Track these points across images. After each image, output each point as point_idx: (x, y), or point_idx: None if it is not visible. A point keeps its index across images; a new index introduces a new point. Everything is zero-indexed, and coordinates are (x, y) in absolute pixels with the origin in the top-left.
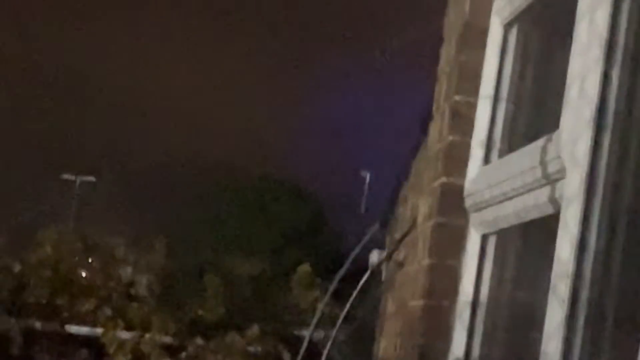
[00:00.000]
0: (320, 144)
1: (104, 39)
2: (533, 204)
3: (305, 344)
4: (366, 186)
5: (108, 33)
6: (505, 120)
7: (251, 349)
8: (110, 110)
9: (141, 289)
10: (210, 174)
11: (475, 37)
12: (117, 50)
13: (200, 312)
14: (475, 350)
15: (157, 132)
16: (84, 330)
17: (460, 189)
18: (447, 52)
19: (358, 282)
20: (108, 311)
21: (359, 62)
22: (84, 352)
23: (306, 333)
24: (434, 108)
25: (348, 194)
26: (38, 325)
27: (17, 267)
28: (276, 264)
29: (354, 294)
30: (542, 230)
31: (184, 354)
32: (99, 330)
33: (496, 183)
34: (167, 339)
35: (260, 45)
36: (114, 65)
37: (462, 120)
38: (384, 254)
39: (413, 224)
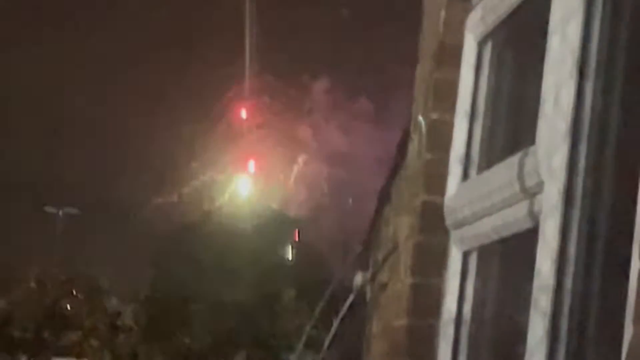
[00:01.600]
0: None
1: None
2: (512, 219)
3: None
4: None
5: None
6: (482, 136)
7: None
8: (90, 142)
9: (127, 319)
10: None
11: (449, 54)
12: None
13: (187, 340)
14: None
15: (137, 165)
16: None
17: (441, 206)
18: (422, 71)
19: (343, 305)
20: (94, 342)
21: None
22: None
23: (293, 358)
24: (411, 127)
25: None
26: (24, 358)
27: (1, 303)
28: (261, 290)
29: (340, 316)
30: (523, 245)
31: None
32: None
33: (475, 199)
34: None
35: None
36: (93, 98)
37: (440, 138)
38: (368, 275)
39: (395, 244)
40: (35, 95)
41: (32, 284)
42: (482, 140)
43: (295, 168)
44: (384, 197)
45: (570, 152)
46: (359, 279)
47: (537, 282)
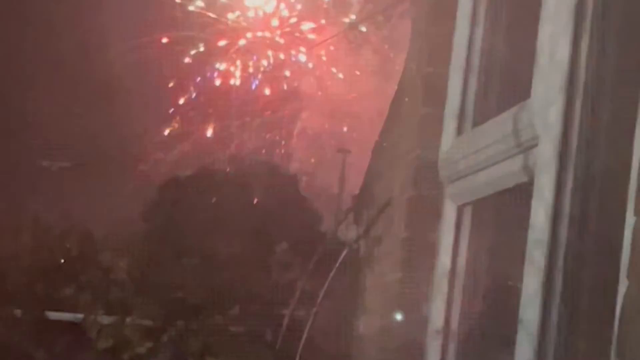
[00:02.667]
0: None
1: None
2: (507, 173)
3: (285, 322)
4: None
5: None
6: (477, 91)
7: (233, 329)
8: (86, 95)
9: (121, 273)
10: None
11: (445, 10)
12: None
13: (180, 294)
14: (454, 321)
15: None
16: (64, 316)
17: (435, 160)
18: (418, 25)
19: (337, 259)
20: (88, 296)
21: None
22: (65, 338)
23: (287, 312)
24: (405, 80)
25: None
26: (18, 312)
27: None
28: (255, 244)
29: (333, 271)
30: (518, 199)
31: (165, 337)
32: (79, 316)
33: (470, 153)
34: (148, 322)
35: None
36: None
37: (435, 92)
38: (362, 230)
39: (389, 198)
40: (29, 47)
41: (26, 238)
42: (477, 94)
43: (295, 121)
44: (378, 151)
45: (566, 105)
46: (352, 233)
47: (531, 236)
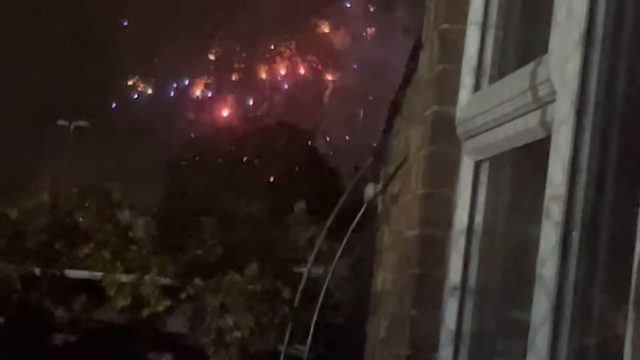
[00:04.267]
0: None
1: None
2: (524, 129)
3: (304, 280)
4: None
5: None
6: (494, 47)
7: (251, 287)
8: (102, 56)
9: (139, 232)
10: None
11: None
12: None
13: (198, 252)
14: (472, 277)
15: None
16: (83, 274)
17: (452, 117)
18: None
19: (354, 217)
20: (106, 255)
21: None
22: (84, 296)
23: (305, 270)
24: (423, 37)
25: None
26: (37, 271)
27: (14, 214)
28: (272, 202)
29: (351, 228)
30: (535, 154)
31: (183, 295)
32: (98, 274)
33: (487, 109)
34: (167, 281)
35: None
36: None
37: (452, 48)
38: (379, 187)
39: (406, 155)
40: (56, 11)
41: (45, 197)
42: (495, 50)
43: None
44: (395, 108)
45: (583, 60)
46: (370, 190)
47: (549, 192)
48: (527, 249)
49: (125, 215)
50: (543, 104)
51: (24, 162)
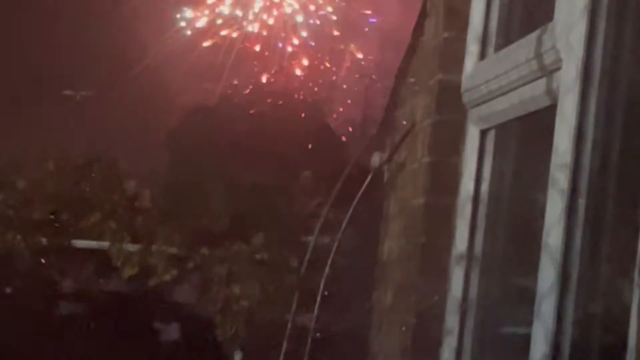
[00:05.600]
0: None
1: None
2: (530, 97)
3: (310, 250)
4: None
5: None
6: (500, 14)
7: (257, 256)
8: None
9: (145, 201)
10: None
11: None
12: None
13: (205, 222)
14: (478, 245)
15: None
16: (90, 244)
17: (458, 85)
18: None
19: (361, 185)
20: (113, 224)
21: None
22: (91, 265)
23: (311, 239)
24: (428, 5)
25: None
26: (44, 241)
27: (21, 184)
28: (278, 171)
29: (357, 198)
30: (541, 123)
31: (190, 264)
32: (105, 244)
33: (493, 77)
34: (174, 250)
35: None
36: None
37: (457, 17)
38: (385, 155)
39: (412, 124)
40: None
41: (51, 166)
42: (500, 18)
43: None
44: (401, 76)
45: (589, 27)
46: (376, 159)
47: (555, 160)
48: (533, 217)
49: (131, 185)
50: (549, 71)
51: (31, 131)
